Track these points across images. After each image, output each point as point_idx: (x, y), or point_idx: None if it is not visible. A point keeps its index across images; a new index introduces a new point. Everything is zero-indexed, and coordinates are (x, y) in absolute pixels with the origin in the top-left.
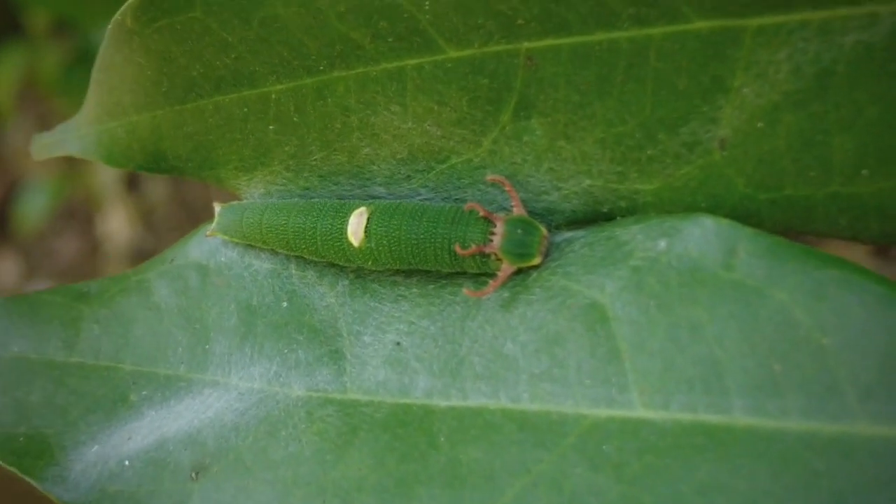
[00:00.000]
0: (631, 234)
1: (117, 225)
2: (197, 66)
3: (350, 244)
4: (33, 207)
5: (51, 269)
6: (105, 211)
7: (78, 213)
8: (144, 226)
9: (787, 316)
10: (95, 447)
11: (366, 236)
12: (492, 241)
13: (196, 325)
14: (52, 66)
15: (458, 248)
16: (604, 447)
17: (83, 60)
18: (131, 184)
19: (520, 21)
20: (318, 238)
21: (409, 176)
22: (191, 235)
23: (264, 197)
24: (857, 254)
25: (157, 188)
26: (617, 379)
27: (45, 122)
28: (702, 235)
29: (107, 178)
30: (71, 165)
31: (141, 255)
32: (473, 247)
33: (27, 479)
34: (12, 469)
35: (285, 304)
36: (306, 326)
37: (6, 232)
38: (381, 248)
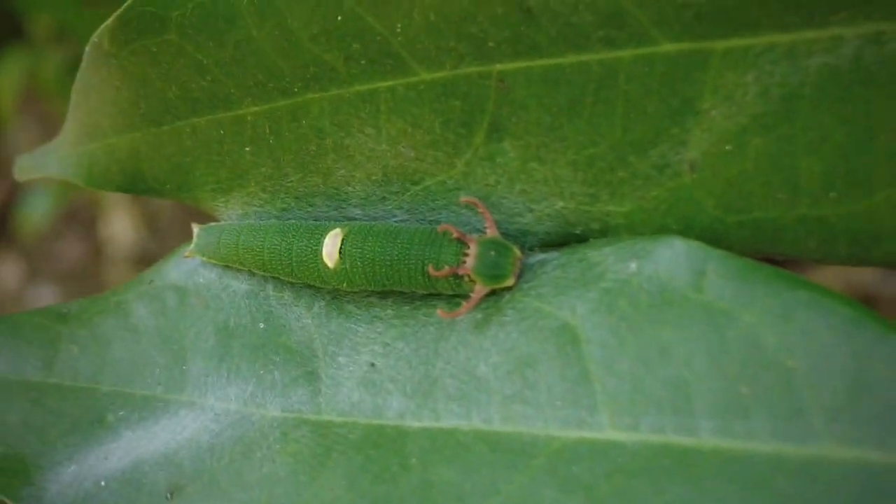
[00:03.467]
0: (602, 255)
1: (120, 228)
2: (173, 88)
3: (325, 265)
4: (36, 210)
5: (53, 272)
6: (108, 214)
7: (81, 216)
8: (148, 229)
9: (754, 338)
10: (72, 467)
11: (340, 257)
12: (465, 262)
13: (174, 346)
14: (53, 70)
15: (431, 270)
16: (573, 468)
17: None
18: None
19: (491, 43)
20: (294, 259)
21: (384, 197)
22: (169, 256)
23: (242, 218)
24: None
25: None
26: (587, 400)
27: (46, 125)
28: (672, 257)
29: None
30: None
31: (144, 259)
32: (447, 268)
33: (3, 498)
34: None
35: (262, 325)
36: (282, 347)
37: (8, 235)
38: (355, 270)
